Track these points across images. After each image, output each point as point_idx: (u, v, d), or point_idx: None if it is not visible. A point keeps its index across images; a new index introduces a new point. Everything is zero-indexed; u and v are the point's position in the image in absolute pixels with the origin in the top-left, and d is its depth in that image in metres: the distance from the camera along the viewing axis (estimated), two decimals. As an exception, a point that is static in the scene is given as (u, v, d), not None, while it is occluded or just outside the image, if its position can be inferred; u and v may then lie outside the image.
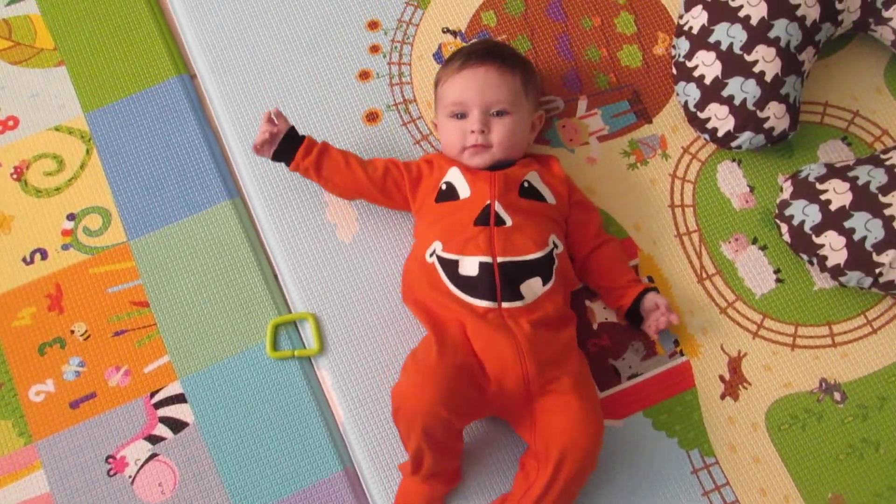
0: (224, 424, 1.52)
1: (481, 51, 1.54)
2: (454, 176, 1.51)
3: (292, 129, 1.54)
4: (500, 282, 1.41)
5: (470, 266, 1.42)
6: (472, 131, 1.49)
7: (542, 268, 1.44)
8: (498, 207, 1.45)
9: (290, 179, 1.65)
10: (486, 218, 1.45)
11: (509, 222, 1.45)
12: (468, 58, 1.53)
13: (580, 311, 1.58)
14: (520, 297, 1.41)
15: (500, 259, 1.41)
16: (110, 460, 1.51)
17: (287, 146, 1.53)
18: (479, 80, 1.50)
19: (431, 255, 1.46)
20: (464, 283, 1.42)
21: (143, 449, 1.51)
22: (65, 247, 1.63)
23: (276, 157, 1.54)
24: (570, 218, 1.55)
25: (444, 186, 1.51)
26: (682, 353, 1.58)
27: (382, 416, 1.51)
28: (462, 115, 1.51)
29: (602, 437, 1.41)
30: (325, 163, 1.53)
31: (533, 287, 1.42)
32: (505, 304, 1.40)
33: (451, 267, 1.43)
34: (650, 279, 1.62)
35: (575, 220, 1.55)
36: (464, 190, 1.49)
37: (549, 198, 1.51)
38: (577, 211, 1.56)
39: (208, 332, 1.58)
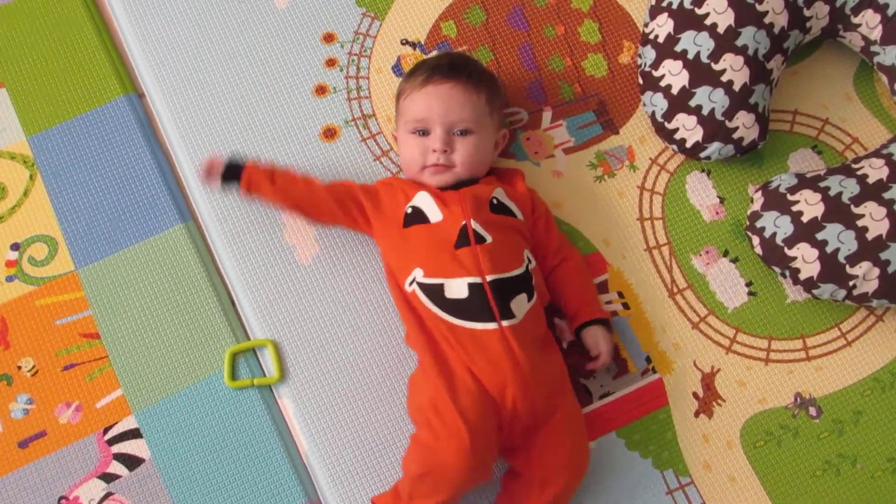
0: (182, 459, 1.47)
1: (446, 65, 1.50)
2: (422, 200, 1.46)
3: (233, 159, 1.51)
4: (494, 301, 1.36)
5: (457, 288, 1.37)
6: (434, 150, 1.45)
7: (524, 283, 1.41)
8: (475, 225, 1.41)
9: (246, 200, 1.59)
10: (465, 239, 1.40)
11: (489, 239, 1.40)
12: (432, 72, 1.48)
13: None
14: (512, 314, 1.37)
15: (489, 277, 1.37)
16: (63, 501, 1.45)
17: (234, 169, 1.49)
18: (444, 98, 1.46)
19: (411, 284, 1.41)
20: (453, 307, 1.38)
21: (97, 488, 1.46)
22: (9, 278, 1.57)
23: (225, 177, 1.49)
24: (533, 231, 1.51)
25: (409, 210, 1.46)
26: (654, 371, 1.55)
27: (347, 445, 1.47)
28: (424, 132, 1.47)
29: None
30: (277, 175, 1.49)
31: (521, 304, 1.39)
32: (505, 323, 1.36)
33: (435, 292, 1.39)
34: (620, 294, 1.58)
35: (536, 235, 1.51)
36: (434, 214, 1.44)
37: (518, 213, 1.48)
38: (538, 225, 1.52)
39: (163, 362, 1.52)
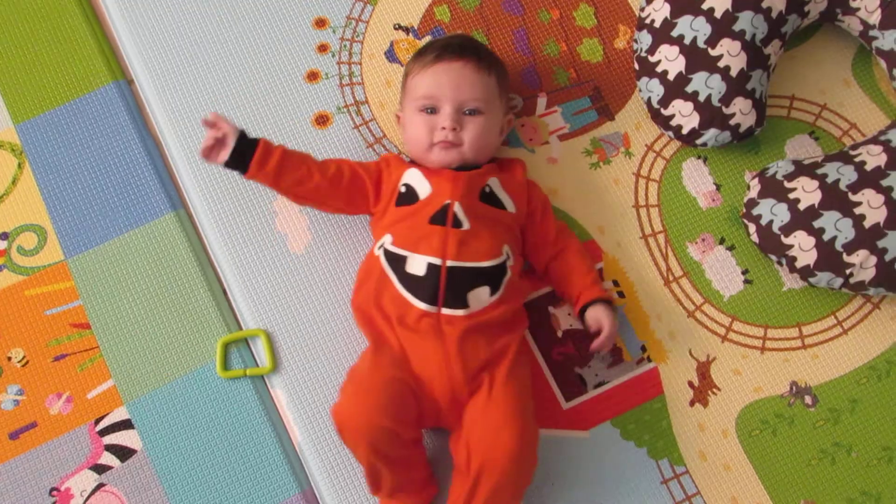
0: (174, 450, 1.47)
1: (457, 45, 1.48)
2: (413, 177, 1.45)
3: (243, 134, 1.41)
4: (444, 286, 1.35)
5: (418, 265, 1.37)
6: (443, 128, 1.43)
7: (492, 277, 1.38)
8: (457, 208, 1.40)
9: (237, 188, 1.58)
10: (442, 217, 1.39)
11: (466, 226, 1.39)
12: (443, 51, 1.47)
13: (544, 317, 1.54)
14: (465, 304, 1.36)
15: (449, 263, 1.36)
16: (54, 493, 1.45)
17: (240, 153, 1.40)
18: (455, 76, 1.44)
19: (379, 248, 1.41)
20: (409, 282, 1.37)
21: (88, 479, 1.45)
22: (-2, 268, 1.57)
23: (230, 164, 1.41)
24: (528, 223, 1.49)
25: (402, 189, 1.45)
26: (649, 360, 1.54)
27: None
28: (433, 110, 1.45)
29: (531, 449, 1.35)
30: (284, 175, 1.42)
31: (480, 296, 1.37)
32: (445, 311, 1.35)
33: (398, 262, 1.38)
34: (615, 283, 1.58)
35: (532, 225, 1.50)
36: (424, 189, 1.43)
37: (509, 206, 1.46)
38: (534, 217, 1.50)
39: (154, 353, 1.51)
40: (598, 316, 1.45)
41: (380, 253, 1.41)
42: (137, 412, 1.48)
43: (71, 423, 1.48)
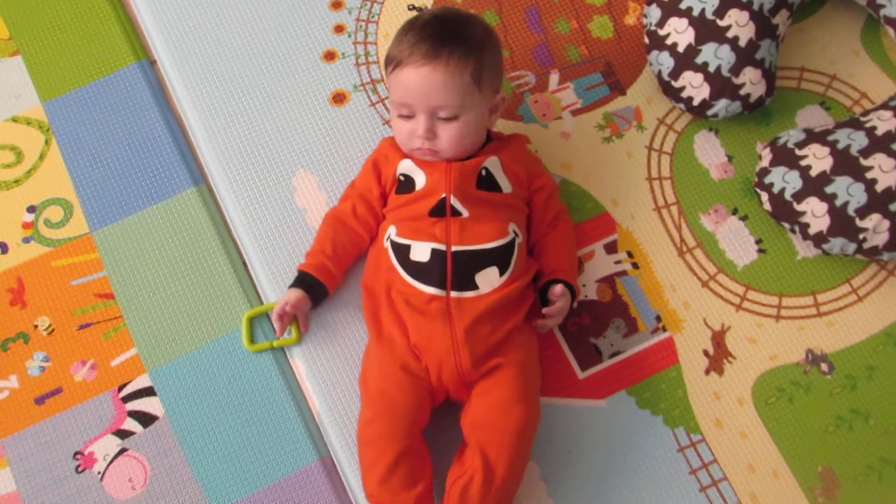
0: (195, 417, 1.49)
1: (429, 39, 1.39)
2: (407, 167, 1.46)
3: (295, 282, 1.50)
4: (451, 270, 1.37)
5: (421, 251, 1.38)
6: (419, 136, 1.42)
7: (499, 257, 1.39)
8: (454, 201, 1.40)
9: (257, 164, 1.61)
10: (441, 210, 1.40)
11: (466, 214, 1.40)
12: (413, 50, 1.38)
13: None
14: (474, 286, 1.37)
15: (454, 248, 1.38)
16: (78, 456, 1.47)
17: (310, 288, 1.48)
18: (424, 84, 1.38)
19: (387, 240, 1.43)
20: (414, 269, 1.38)
21: (111, 444, 1.48)
22: (26, 240, 1.59)
23: (317, 303, 1.52)
24: (533, 200, 1.50)
25: (401, 178, 1.47)
26: (664, 329, 1.55)
27: (358, 404, 1.47)
28: (409, 116, 1.43)
29: (533, 425, 1.37)
30: (346, 262, 1.51)
31: (489, 277, 1.38)
32: (454, 294, 1.36)
33: (402, 252, 1.40)
34: (630, 254, 1.58)
35: (534, 206, 1.50)
36: (420, 180, 1.44)
37: (506, 186, 1.45)
38: (537, 199, 1.50)
39: (176, 323, 1.54)
40: (559, 292, 1.44)
41: (387, 245, 1.42)
42: (159, 380, 1.51)
43: (95, 389, 1.50)
